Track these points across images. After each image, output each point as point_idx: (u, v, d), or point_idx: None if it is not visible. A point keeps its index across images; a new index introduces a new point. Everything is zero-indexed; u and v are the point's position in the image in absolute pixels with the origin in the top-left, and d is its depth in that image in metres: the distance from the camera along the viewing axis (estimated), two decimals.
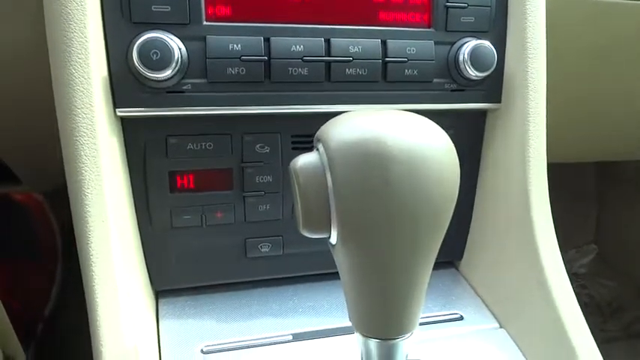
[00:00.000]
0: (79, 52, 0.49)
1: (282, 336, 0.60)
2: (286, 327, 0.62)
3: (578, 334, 0.56)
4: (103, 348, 0.48)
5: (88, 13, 0.50)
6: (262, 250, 0.65)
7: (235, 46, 0.54)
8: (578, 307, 0.58)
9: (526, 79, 0.61)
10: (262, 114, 0.58)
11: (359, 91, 0.59)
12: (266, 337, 0.60)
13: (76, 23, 0.49)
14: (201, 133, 0.59)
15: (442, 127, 0.37)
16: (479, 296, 0.69)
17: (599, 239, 1.77)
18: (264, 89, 0.56)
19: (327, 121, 0.38)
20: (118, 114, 0.54)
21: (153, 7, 0.52)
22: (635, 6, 0.80)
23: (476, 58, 0.60)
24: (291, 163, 0.37)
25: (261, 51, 0.55)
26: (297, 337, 0.61)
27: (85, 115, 0.50)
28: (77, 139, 0.50)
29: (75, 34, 0.49)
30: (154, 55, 0.51)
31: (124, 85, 0.53)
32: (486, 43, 0.60)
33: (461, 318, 0.65)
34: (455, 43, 0.61)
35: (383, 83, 0.59)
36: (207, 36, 0.54)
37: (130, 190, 0.59)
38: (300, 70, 0.56)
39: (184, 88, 0.54)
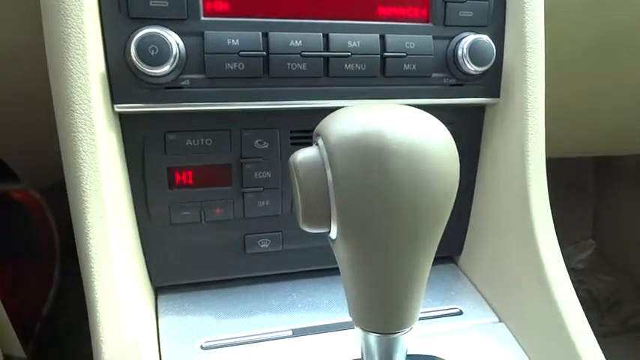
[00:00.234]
0: (77, 47, 0.49)
1: (281, 331, 0.60)
2: (286, 322, 0.62)
3: (577, 329, 0.56)
4: (103, 344, 0.48)
5: (86, 9, 0.49)
6: (261, 246, 0.65)
7: (233, 41, 0.54)
8: (578, 301, 0.59)
9: (525, 73, 0.61)
10: (261, 109, 0.58)
11: (358, 86, 0.59)
12: (266, 333, 0.60)
13: (73, 18, 0.49)
14: (200, 129, 0.59)
15: (441, 122, 0.37)
16: (478, 291, 0.69)
17: (597, 234, 1.77)
18: (262, 84, 0.56)
19: (326, 116, 0.38)
20: (116, 110, 0.54)
21: (151, 2, 0.52)
22: None
23: (474, 53, 0.59)
24: (291, 158, 0.37)
25: (259, 46, 0.55)
26: (297, 332, 0.61)
27: (82, 111, 0.50)
28: (75, 134, 0.50)
29: (72, 29, 0.49)
30: (152, 51, 0.51)
31: (122, 81, 0.53)
32: (485, 38, 0.60)
33: (460, 313, 0.66)
34: (453, 37, 0.61)
35: (382, 78, 0.59)
36: (205, 31, 0.54)
37: (129, 187, 0.59)
38: (298, 65, 0.56)
39: (182, 83, 0.54)
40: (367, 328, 0.40)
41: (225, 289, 0.67)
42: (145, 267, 0.62)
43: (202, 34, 0.54)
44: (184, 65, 0.54)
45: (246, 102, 0.57)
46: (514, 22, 0.62)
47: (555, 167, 0.74)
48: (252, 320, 0.62)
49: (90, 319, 0.49)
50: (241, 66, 0.55)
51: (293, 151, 0.38)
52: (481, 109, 0.68)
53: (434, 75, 0.61)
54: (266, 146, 0.61)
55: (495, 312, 0.66)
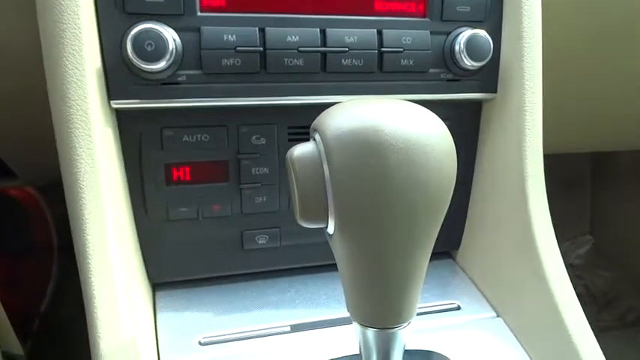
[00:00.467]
0: (73, 43, 0.49)
1: (280, 327, 0.61)
2: (284, 318, 0.62)
3: (575, 323, 0.56)
4: (101, 340, 0.48)
5: (81, 4, 0.49)
6: (259, 242, 0.65)
7: (230, 36, 0.54)
8: (575, 296, 0.59)
9: (522, 68, 0.61)
10: (258, 105, 0.57)
11: (355, 82, 0.59)
12: (264, 329, 0.60)
13: (69, 14, 0.49)
14: (197, 125, 0.59)
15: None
16: (476, 286, 0.69)
17: (594, 230, 1.78)
18: (259, 80, 0.56)
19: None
20: (113, 106, 0.54)
21: None
22: None
23: (472, 48, 0.59)
24: (288, 153, 0.37)
25: (256, 42, 0.55)
26: (295, 328, 0.61)
27: (79, 107, 0.50)
28: (72, 130, 0.50)
29: (68, 25, 0.49)
30: (149, 47, 0.50)
31: (119, 77, 0.53)
32: (482, 33, 0.60)
33: (458, 308, 0.66)
34: (450, 32, 0.61)
35: (379, 73, 0.59)
36: (202, 27, 0.53)
37: (126, 183, 0.59)
38: (295, 60, 0.56)
39: (179, 79, 0.54)
40: (365, 323, 0.40)
41: (223, 285, 0.67)
42: (142, 263, 0.62)
43: (199, 29, 0.53)
44: (181, 61, 0.53)
45: (243, 98, 0.56)
46: (511, 17, 0.62)
47: (553, 163, 0.74)
48: (251, 316, 0.62)
49: (87, 315, 0.49)
50: (238, 62, 0.55)
51: (290, 147, 0.38)
52: (478, 104, 0.68)
53: (431, 70, 0.61)
54: (263, 142, 0.61)
55: (493, 307, 0.66)
